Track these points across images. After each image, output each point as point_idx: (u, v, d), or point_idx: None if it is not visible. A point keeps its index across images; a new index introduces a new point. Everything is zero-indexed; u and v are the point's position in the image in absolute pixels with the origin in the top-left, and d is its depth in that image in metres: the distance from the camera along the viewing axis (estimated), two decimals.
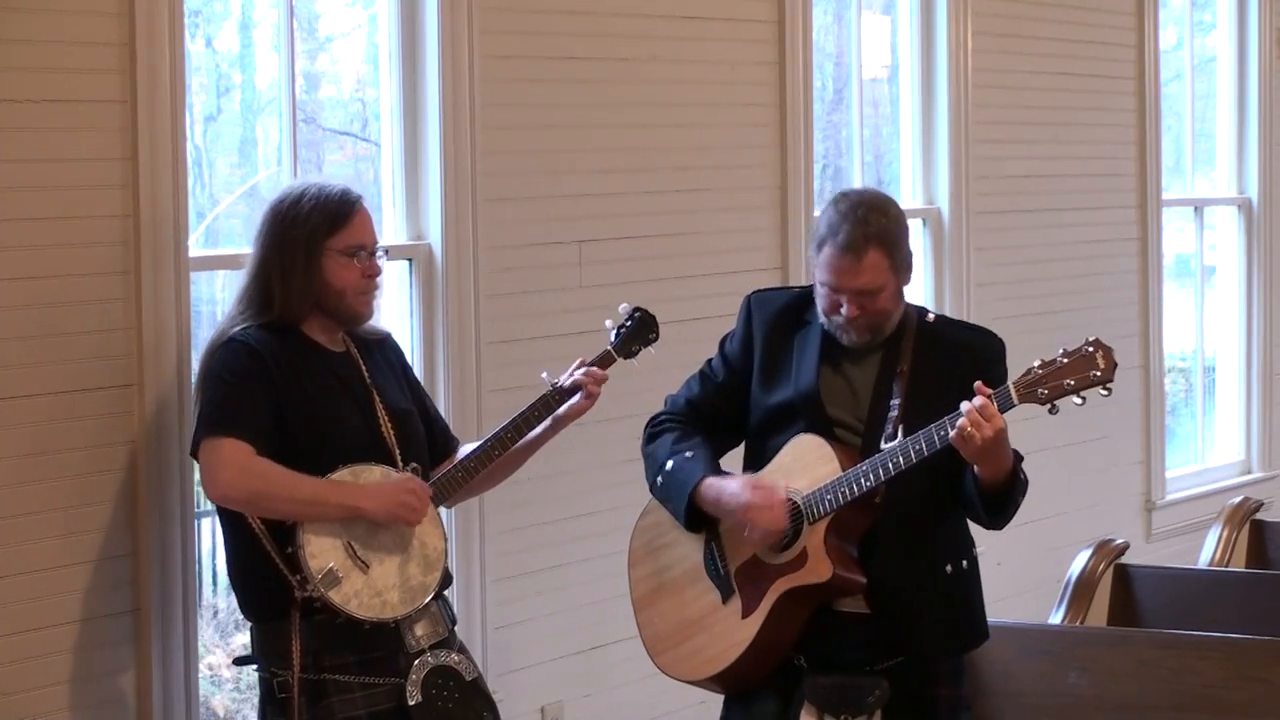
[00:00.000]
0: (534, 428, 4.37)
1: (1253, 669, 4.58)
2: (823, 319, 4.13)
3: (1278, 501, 8.59)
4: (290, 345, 4.17)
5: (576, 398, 4.38)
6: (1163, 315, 8.30)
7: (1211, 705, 4.58)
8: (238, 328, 4.16)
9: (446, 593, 4.33)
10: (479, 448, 4.33)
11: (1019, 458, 4.04)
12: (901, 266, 4.09)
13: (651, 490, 4.26)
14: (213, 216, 5.36)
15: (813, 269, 4.15)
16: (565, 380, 4.40)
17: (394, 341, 4.49)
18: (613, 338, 4.48)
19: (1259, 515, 6.39)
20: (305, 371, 4.15)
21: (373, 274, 4.23)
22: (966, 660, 4.30)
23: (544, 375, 4.43)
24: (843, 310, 4.05)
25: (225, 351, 4.12)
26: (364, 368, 4.27)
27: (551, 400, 4.38)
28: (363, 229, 4.22)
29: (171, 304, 4.53)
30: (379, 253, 4.26)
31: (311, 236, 4.15)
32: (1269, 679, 4.55)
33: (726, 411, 4.27)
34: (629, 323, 4.49)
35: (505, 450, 4.34)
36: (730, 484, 4.09)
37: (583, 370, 4.40)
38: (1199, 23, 9.01)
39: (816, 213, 6.44)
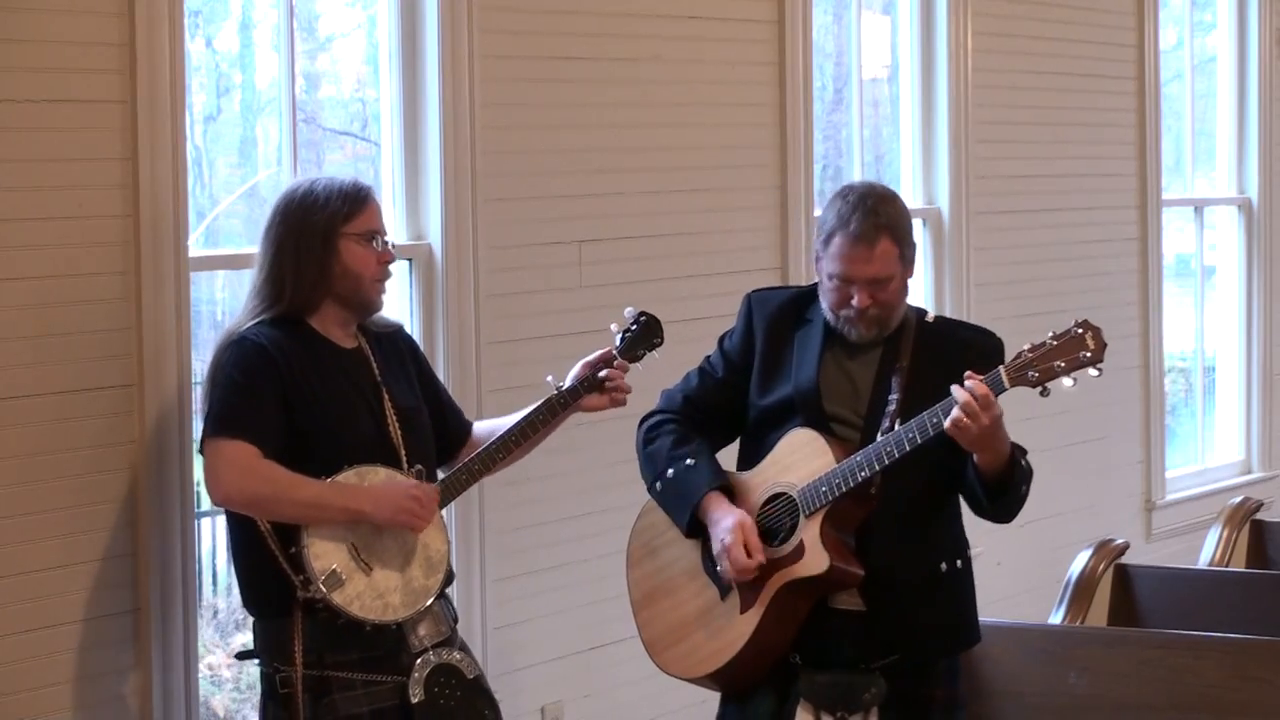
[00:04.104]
0: (539, 431, 4.38)
1: (1253, 669, 4.57)
2: (829, 315, 4.13)
3: (1278, 501, 8.59)
4: (302, 343, 4.16)
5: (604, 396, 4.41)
6: (1163, 315, 8.30)
7: (1211, 705, 4.58)
8: (249, 325, 4.16)
9: (447, 591, 4.33)
10: (485, 449, 4.33)
11: (1021, 451, 4.04)
12: (909, 258, 4.12)
13: (650, 492, 4.27)
14: (213, 216, 5.36)
15: (818, 265, 4.15)
16: (569, 381, 4.41)
17: (406, 333, 4.49)
18: (617, 341, 4.47)
19: (1259, 515, 6.38)
20: (316, 371, 4.14)
21: (387, 261, 4.24)
22: (964, 660, 4.30)
23: (549, 379, 4.43)
24: (853, 302, 4.05)
25: (237, 350, 4.11)
26: (374, 364, 4.26)
27: (556, 404, 4.38)
28: (377, 215, 4.24)
29: (171, 304, 4.53)
30: (389, 243, 4.28)
31: (330, 222, 4.15)
32: (1269, 679, 4.54)
33: (724, 408, 4.27)
34: (634, 327, 4.49)
35: (510, 453, 4.35)
36: (727, 519, 4.08)
37: (610, 370, 4.41)
38: (1199, 23, 9.01)
39: (817, 213, 6.47)
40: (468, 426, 4.53)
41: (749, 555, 4.03)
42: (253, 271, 4.24)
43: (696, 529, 4.17)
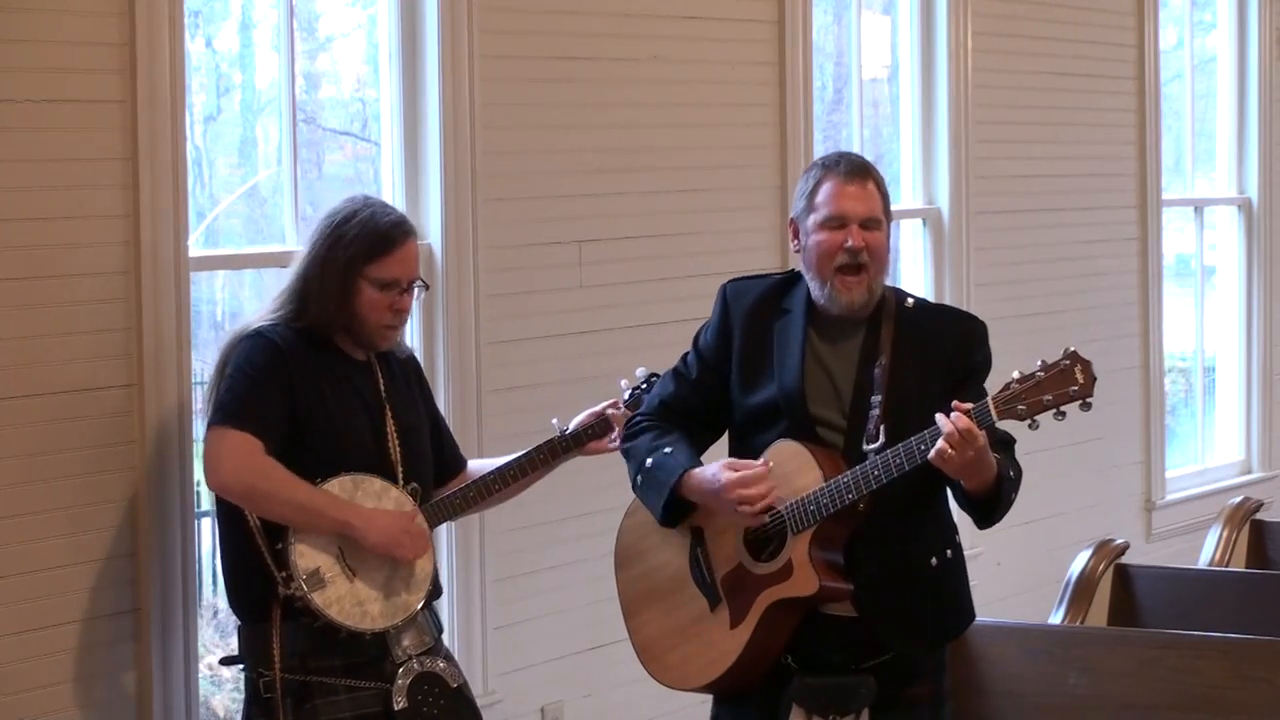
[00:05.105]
0: (538, 470, 4.42)
1: (1253, 669, 4.57)
2: (817, 287, 4.06)
3: (1278, 501, 8.59)
4: (313, 347, 4.18)
5: (610, 439, 4.47)
6: (1163, 315, 8.30)
7: (1211, 705, 4.57)
8: (266, 322, 4.18)
9: (437, 601, 4.35)
10: (483, 478, 4.37)
11: (1012, 442, 4.02)
12: (889, 215, 4.12)
13: (633, 487, 4.23)
14: (213, 216, 5.36)
15: (799, 235, 4.10)
16: (574, 426, 4.46)
17: (415, 359, 4.51)
18: (626, 396, 4.53)
19: (1259, 515, 6.38)
20: (324, 375, 4.16)
21: (400, 309, 4.23)
22: (959, 657, 4.28)
23: (554, 421, 4.47)
24: (848, 244, 4.00)
25: (250, 344, 4.14)
26: (381, 380, 4.27)
27: (559, 445, 4.44)
28: (403, 262, 4.22)
29: (171, 304, 4.54)
30: (416, 287, 4.26)
31: (351, 261, 4.16)
32: (1269, 679, 4.54)
33: (702, 409, 4.22)
34: (644, 385, 4.54)
35: (506, 486, 4.40)
36: (710, 468, 4.04)
37: (615, 413, 4.47)
38: (1199, 23, 9.01)
39: None
40: (463, 461, 4.56)
41: (755, 478, 3.98)
42: (287, 274, 4.26)
43: (675, 515, 4.12)
